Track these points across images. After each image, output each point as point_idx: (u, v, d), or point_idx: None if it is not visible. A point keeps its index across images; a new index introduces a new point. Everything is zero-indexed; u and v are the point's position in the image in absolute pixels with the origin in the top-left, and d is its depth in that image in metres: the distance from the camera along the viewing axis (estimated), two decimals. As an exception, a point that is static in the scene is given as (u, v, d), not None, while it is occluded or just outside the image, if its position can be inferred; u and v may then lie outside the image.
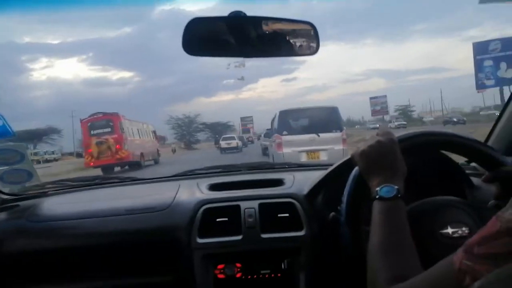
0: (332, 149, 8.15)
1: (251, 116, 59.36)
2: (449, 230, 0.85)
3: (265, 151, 17.78)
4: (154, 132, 22.39)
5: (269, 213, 1.29)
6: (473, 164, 1.45)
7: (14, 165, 1.52)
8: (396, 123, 41.11)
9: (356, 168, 0.93)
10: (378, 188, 0.78)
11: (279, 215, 1.28)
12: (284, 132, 8.66)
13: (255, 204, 1.31)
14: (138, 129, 19.24)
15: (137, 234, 1.33)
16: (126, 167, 17.21)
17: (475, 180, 1.25)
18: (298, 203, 1.31)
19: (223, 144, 26.68)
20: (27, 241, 1.32)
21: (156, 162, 20.48)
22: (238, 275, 1.24)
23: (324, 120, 8.79)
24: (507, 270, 0.41)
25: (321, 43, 1.05)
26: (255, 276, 1.25)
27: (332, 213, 1.14)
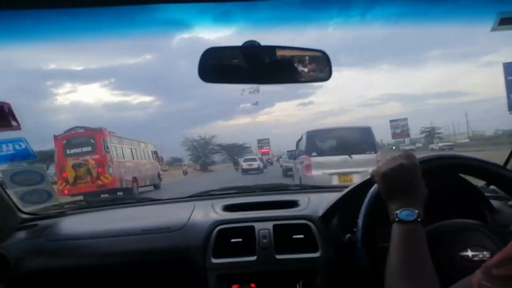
0: (366, 171, 7.17)
1: (268, 138, 59.35)
2: (469, 253, 0.84)
3: (286, 172, 17.47)
4: (155, 152, 18.62)
5: (284, 234, 1.29)
6: (492, 187, 1.44)
7: (34, 186, 1.57)
8: (440, 144, 40.84)
9: (374, 189, 0.94)
10: (398, 211, 0.79)
11: (293, 237, 1.28)
12: (313, 154, 8.14)
13: (269, 225, 1.32)
14: (131, 149, 15.59)
15: (153, 254, 1.34)
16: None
17: (495, 203, 1.24)
18: (313, 224, 1.31)
19: (244, 165, 26.52)
20: (45, 259, 1.35)
21: (157, 187, 17.21)
22: None
23: (357, 140, 8.21)
24: None
25: (337, 69, 1.09)
26: None
27: (348, 235, 1.14)
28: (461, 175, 1.14)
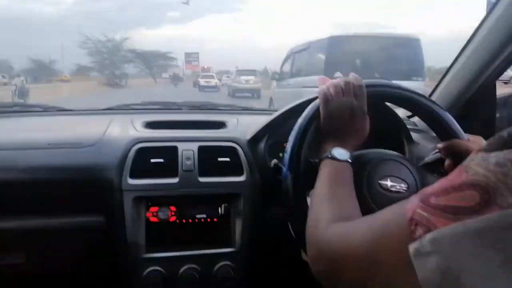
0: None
1: (197, 53, 51.27)
2: (388, 183, 0.86)
3: (234, 93, 16.73)
4: None
5: (209, 156, 1.23)
6: (412, 119, 1.49)
7: None
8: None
9: (304, 119, 0.88)
10: (331, 149, 0.80)
11: (219, 159, 1.23)
12: (337, 74, 5.05)
13: (194, 146, 1.23)
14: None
15: (60, 171, 1.19)
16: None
17: (414, 135, 1.29)
18: (240, 147, 1.26)
19: (202, 82, 25.65)
20: None
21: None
22: (172, 219, 1.19)
23: (399, 58, 5.94)
24: (464, 226, 0.37)
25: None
26: (190, 221, 1.20)
27: (274, 160, 1.11)
28: (387, 103, 1.15)
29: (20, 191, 1.19)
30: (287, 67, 8.46)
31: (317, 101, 0.88)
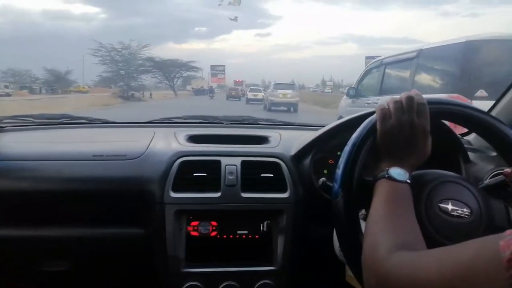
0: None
1: (224, 65, 48.76)
2: (449, 207, 0.78)
3: (270, 107, 16.10)
4: None
5: (252, 172, 1.20)
6: (467, 138, 1.41)
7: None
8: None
9: (359, 134, 0.84)
10: (389, 169, 0.74)
11: (262, 175, 1.20)
12: (480, 92, 4.10)
13: (237, 161, 1.21)
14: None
15: (105, 183, 1.21)
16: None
17: (470, 155, 1.20)
18: (283, 163, 1.22)
19: (250, 95, 26.02)
20: None
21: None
22: (213, 234, 1.16)
23: None
24: None
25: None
26: (230, 236, 1.18)
27: (323, 179, 1.07)
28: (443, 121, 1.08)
29: (65, 201, 1.21)
30: (370, 81, 7.12)
31: (373, 117, 0.84)
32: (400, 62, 6.16)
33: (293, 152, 1.26)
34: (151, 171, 1.20)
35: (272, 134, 1.45)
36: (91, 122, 1.69)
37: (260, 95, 25.09)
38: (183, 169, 1.19)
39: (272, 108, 16.13)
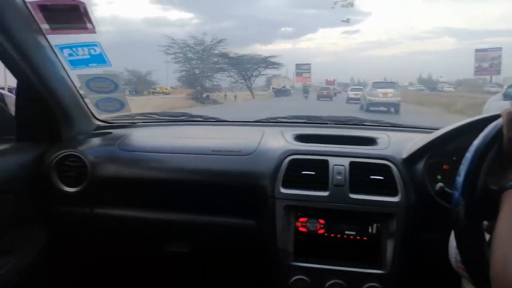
0: None
1: (309, 64, 40.03)
2: None
3: (368, 107, 14.69)
4: None
5: (360, 173, 1.20)
6: None
7: (108, 94, 1.57)
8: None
9: (483, 140, 0.79)
10: None
11: (371, 177, 1.19)
12: None
13: (345, 161, 1.23)
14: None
15: (222, 176, 1.32)
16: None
17: None
18: (394, 166, 1.20)
19: (351, 94, 24.08)
20: (117, 168, 1.38)
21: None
22: (321, 231, 1.20)
23: None
24: None
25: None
26: (338, 236, 1.19)
27: (440, 184, 1.02)
28: None
29: (188, 190, 1.36)
30: None
31: (499, 121, 0.78)
32: None
33: (405, 155, 1.23)
34: (263, 167, 1.27)
35: (380, 135, 1.42)
36: (206, 120, 1.85)
37: (360, 94, 23.93)
38: (292, 166, 1.24)
39: (370, 108, 15.09)
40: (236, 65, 29.35)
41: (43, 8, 1.19)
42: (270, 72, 32.99)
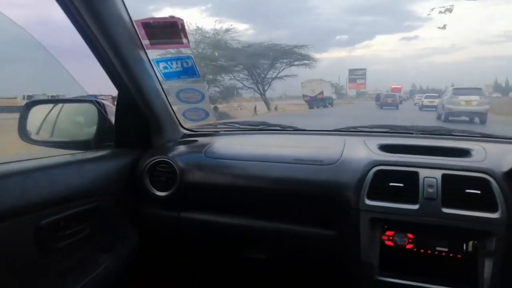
0: None
1: (364, 69, 38.28)
2: None
3: (447, 116, 12.91)
4: None
5: (454, 186, 1.13)
6: None
7: (195, 104, 1.66)
8: None
9: None
10: None
11: (466, 191, 1.11)
12: None
13: (437, 173, 1.16)
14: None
15: (303, 185, 1.32)
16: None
17: None
18: (494, 180, 1.11)
19: (425, 101, 23.17)
20: (203, 174, 1.45)
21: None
22: (409, 246, 1.14)
23: None
24: None
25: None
26: (428, 252, 1.13)
27: None
28: None
29: (268, 197, 1.38)
30: None
31: None
32: None
33: (505, 168, 1.13)
34: (346, 177, 1.25)
35: (474, 147, 1.33)
36: (284, 129, 1.87)
37: (436, 102, 21.94)
38: (378, 177, 1.20)
39: (450, 118, 13.49)
40: (247, 61, 19.62)
41: (146, 25, 1.31)
42: (297, 71, 22.67)
